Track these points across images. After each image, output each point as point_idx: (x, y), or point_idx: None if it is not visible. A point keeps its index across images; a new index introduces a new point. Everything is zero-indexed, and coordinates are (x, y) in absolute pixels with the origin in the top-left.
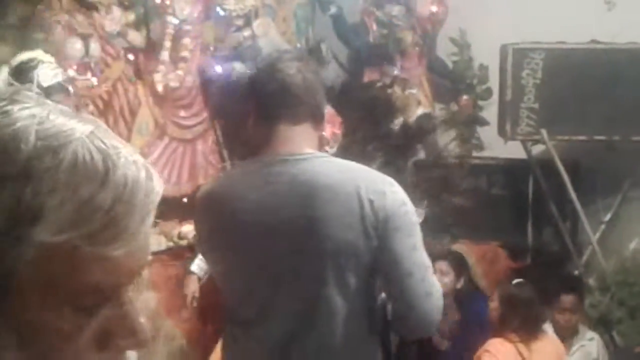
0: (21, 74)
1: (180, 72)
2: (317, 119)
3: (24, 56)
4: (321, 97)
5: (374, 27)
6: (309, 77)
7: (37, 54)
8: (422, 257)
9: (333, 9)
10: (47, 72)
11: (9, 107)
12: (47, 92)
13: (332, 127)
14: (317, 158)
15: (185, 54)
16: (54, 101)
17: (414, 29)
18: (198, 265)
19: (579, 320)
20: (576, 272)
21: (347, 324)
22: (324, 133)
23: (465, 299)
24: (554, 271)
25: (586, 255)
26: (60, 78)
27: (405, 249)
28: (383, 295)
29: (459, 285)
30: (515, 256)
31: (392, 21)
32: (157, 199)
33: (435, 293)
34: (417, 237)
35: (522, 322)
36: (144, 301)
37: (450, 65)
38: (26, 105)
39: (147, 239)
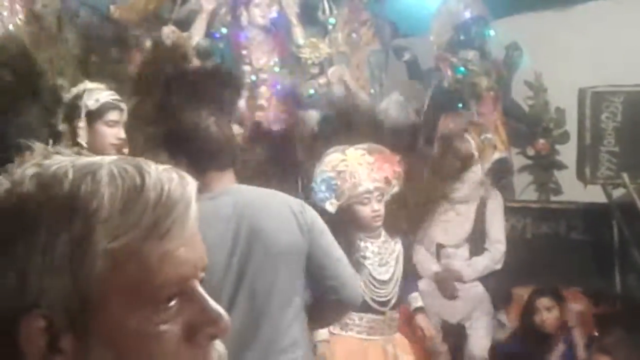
0: (72, 108)
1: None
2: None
3: (72, 92)
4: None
5: (449, 72)
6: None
7: (84, 85)
8: (340, 250)
9: (407, 56)
10: (92, 96)
11: (44, 161)
12: (99, 113)
13: (392, 165)
14: (245, 187)
15: (262, 102)
16: (110, 120)
17: (488, 74)
18: None
19: None
20: None
21: (294, 311)
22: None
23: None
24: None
25: None
26: (108, 98)
27: (330, 244)
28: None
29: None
30: (597, 302)
31: (467, 66)
32: (191, 196)
33: (355, 274)
34: (332, 237)
35: None
36: None
37: (526, 108)
38: (58, 156)
39: (197, 235)
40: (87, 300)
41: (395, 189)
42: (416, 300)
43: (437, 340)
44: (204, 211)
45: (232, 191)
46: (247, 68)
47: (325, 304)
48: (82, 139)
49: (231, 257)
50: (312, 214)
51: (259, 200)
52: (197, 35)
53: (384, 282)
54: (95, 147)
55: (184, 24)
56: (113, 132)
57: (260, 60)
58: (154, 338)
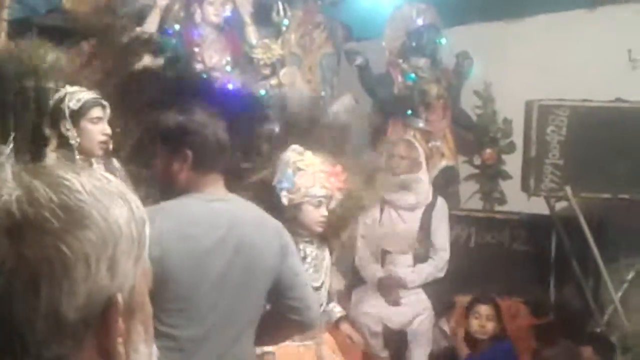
0: (56, 113)
1: None
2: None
3: (55, 97)
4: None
5: (399, 78)
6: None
7: (65, 89)
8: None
9: (359, 60)
10: (74, 98)
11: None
12: (82, 111)
13: (338, 180)
14: (238, 198)
15: None
16: (94, 117)
17: (438, 81)
18: None
19: None
20: (598, 330)
21: (253, 330)
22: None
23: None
24: (576, 328)
25: (608, 313)
26: (89, 96)
27: (300, 266)
28: None
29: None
30: (538, 312)
31: (417, 73)
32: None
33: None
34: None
35: None
36: None
37: (474, 118)
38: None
39: None
40: (134, 284)
41: (333, 204)
42: (336, 310)
43: (377, 347)
44: (198, 212)
45: (227, 199)
46: (199, 66)
47: (284, 323)
48: (72, 140)
49: (214, 265)
50: (287, 233)
51: (251, 215)
52: (150, 31)
53: (316, 289)
54: (84, 146)
55: (137, 18)
56: (98, 129)
57: (213, 59)
58: (149, 311)
